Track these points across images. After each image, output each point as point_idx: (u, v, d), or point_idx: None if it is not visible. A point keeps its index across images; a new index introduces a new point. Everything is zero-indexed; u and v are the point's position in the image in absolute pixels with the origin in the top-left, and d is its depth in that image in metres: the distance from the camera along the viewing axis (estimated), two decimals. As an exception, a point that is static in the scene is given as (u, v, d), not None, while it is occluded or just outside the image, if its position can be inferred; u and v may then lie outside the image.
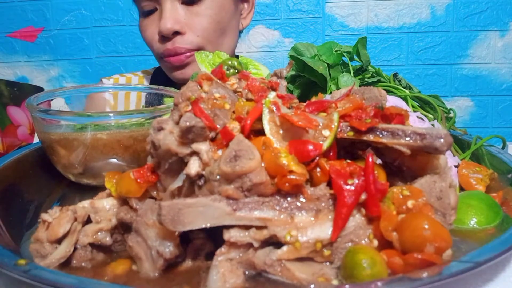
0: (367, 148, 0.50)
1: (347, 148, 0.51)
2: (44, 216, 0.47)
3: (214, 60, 0.76)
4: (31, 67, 2.39)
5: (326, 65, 0.84)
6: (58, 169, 0.71)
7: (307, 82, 0.87)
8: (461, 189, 0.64)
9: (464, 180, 0.64)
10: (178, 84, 1.28)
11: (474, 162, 0.70)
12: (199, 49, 1.16)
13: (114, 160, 0.68)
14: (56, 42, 2.35)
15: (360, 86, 0.82)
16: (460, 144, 0.77)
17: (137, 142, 0.68)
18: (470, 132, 0.83)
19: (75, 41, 2.35)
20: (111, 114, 0.68)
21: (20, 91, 0.91)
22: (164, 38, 1.13)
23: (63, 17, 2.33)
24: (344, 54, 0.89)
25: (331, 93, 0.79)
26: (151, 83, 1.37)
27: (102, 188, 0.56)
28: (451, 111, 0.85)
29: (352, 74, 0.84)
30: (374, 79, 0.86)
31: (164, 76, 1.29)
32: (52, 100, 0.74)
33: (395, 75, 0.90)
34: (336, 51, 0.89)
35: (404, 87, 0.87)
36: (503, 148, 0.76)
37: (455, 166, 0.66)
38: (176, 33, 1.11)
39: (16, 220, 0.57)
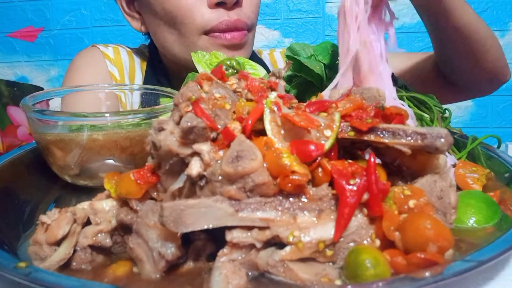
0: (367, 148, 0.51)
1: (346, 148, 0.51)
2: (43, 218, 0.47)
3: (210, 60, 0.76)
4: (31, 67, 2.37)
5: (322, 65, 0.84)
6: (54, 170, 0.70)
7: (303, 82, 0.87)
8: (458, 188, 0.64)
9: (461, 180, 0.65)
10: (174, 78, 1.16)
11: (471, 162, 0.70)
12: (251, 28, 1.02)
13: (111, 161, 0.67)
14: (56, 42, 2.34)
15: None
16: (455, 143, 0.78)
17: (134, 143, 0.67)
18: (470, 132, 0.83)
19: (75, 41, 2.33)
20: (107, 115, 0.67)
21: (20, 91, 0.91)
22: (218, 8, 0.96)
23: (63, 17, 2.32)
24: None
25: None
26: (147, 69, 1.20)
27: (98, 189, 0.55)
28: (446, 111, 0.85)
29: None
30: None
31: (159, 64, 1.15)
32: (50, 100, 0.73)
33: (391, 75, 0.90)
34: (332, 51, 0.89)
35: (400, 87, 0.87)
36: (498, 147, 0.76)
37: (452, 166, 0.67)
38: (236, 4, 0.97)
39: (12, 221, 0.57)
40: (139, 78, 1.19)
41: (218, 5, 0.96)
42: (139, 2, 1.07)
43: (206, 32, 0.98)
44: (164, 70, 1.18)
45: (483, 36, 0.97)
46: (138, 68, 1.20)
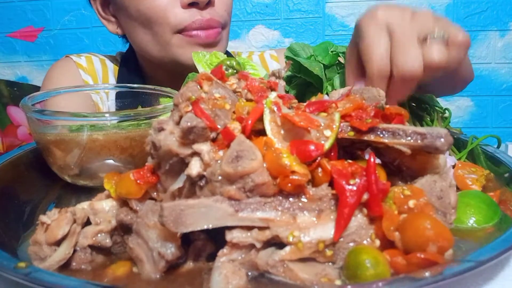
0: (367, 148, 0.51)
1: (346, 148, 0.51)
2: (43, 218, 0.47)
3: (211, 60, 0.76)
4: (31, 67, 2.37)
5: (322, 66, 0.84)
6: (54, 170, 0.70)
7: (303, 83, 0.87)
8: (457, 189, 0.64)
9: (460, 181, 0.65)
10: (148, 77, 1.19)
11: (470, 162, 0.70)
12: (224, 26, 1.06)
13: (111, 161, 0.67)
14: (56, 42, 2.33)
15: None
16: (455, 143, 0.78)
17: (134, 143, 0.67)
18: (470, 132, 0.83)
19: (75, 41, 2.33)
20: (107, 115, 0.67)
21: (20, 91, 0.91)
22: (191, 8, 0.99)
23: (63, 17, 2.31)
24: (340, 54, 0.89)
25: (327, 94, 0.80)
26: (119, 72, 1.23)
27: (98, 189, 0.55)
28: (446, 111, 0.85)
29: None
30: None
31: (134, 65, 1.19)
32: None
33: None
34: (332, 51, 0.89)
35: None
36: (498, 147, 0.76)
37: (452, 167, 0.67)
38: (208, 3, 1.00)
39: (13, 222, 0.57)
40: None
41: (191, 5, 0.99)
42: (114, 6, 1.10)
43: (180, 31, 1.00)
44: (138, 72, 1.21)
45: (467, 78, 1.01)
46: (111, 74, 1.23)
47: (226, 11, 1.04)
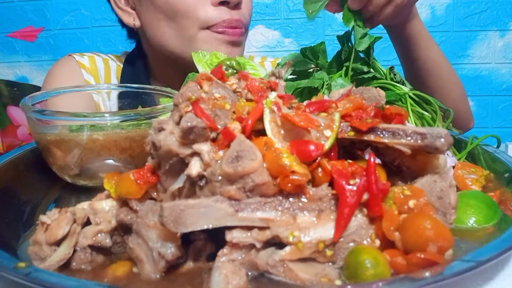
0: (367, 148, 0.51)
1: (346, 148, 0.51)
2: (43, 218, 0.47)
3: (211, 60, 0.76)
4: (31, 67, 2.36)
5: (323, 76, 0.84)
6: (54, 170, 0.70)
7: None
8: (457, 189, 0.64)
9: (460, 181, 0.65)
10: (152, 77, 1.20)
11: (470, 163, 0.70)
12: (246, 29, 1.09)
13: (111, 161, 0.67)
14: (56, 42, 2.33)
15: (354, 82, 0.81)
16: (456, 144, 0.78)
17: (134, 143, 0.67)
18: (470, 133, 0.83)
19: (75, 41, 2.32)
20: (107, 115, 0.67)
21: (20, 91, 0.90)
22: (221, 6, 1.01)
23: (63, 17, 2.31)
24: None
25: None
26: (123, 69, 1.23)
27: (98, 189, 0.55)
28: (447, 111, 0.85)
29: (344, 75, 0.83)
30: (370, 75, 0.85)
31: (140, 63, 1.19)
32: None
33: (391, 68, 0.87)
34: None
35: (398, 82, 0.86)
36: (498, 147, 0.76)
37: (452, 167, 0.67)
38: (237, 5, 1.03)
39: (12, 221, 0.57)
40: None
41: (221, 3, 1.02)
42: None
43: (206, 28, 1.02)
44: (144, 70, 1.20)
45: (446, 73, 1.10)
46: (114, 74, 1.23)
47: (249, 15, 1.07)
